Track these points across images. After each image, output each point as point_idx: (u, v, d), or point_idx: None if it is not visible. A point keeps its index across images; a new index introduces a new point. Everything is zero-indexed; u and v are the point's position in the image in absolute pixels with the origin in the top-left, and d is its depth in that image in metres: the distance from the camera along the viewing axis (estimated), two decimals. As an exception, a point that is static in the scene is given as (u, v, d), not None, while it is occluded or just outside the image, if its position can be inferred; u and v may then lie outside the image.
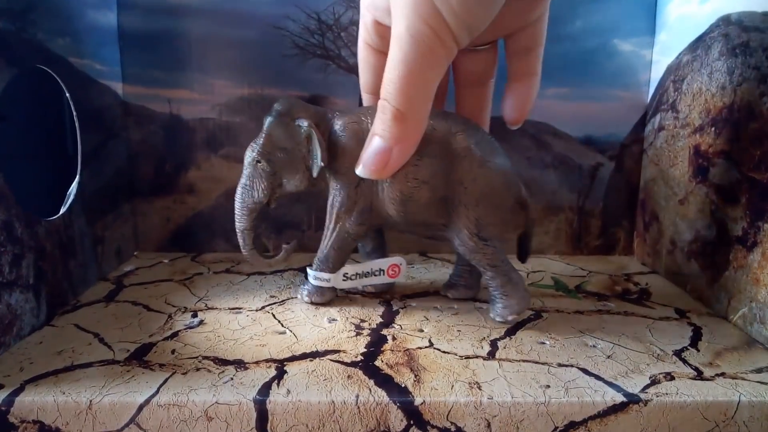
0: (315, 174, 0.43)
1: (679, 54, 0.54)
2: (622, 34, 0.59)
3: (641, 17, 0.59)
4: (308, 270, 0.47)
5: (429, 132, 0.40)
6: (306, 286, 0.47)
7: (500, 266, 0.43)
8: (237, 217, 0.45)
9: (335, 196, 0.45)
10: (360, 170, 0.38)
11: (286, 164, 0.44)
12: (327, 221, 0.45)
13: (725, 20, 0.47)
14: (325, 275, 0.46)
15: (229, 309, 0.46)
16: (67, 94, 0.47)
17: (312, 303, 0.47)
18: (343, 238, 0.45)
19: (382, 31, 0.40)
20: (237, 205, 0.45)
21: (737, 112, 0.45)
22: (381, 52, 0.42)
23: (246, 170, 0.44)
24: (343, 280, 0.46)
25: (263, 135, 0.44)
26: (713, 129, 0.48)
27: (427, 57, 0.34)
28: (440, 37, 0.33)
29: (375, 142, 0.37)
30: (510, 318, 0.43)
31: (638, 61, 0.59)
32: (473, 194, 0.42)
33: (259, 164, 0.44)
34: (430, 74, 0.35)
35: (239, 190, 0.45)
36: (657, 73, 0.58)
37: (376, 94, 0.44)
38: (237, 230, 0.45)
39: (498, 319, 0.43)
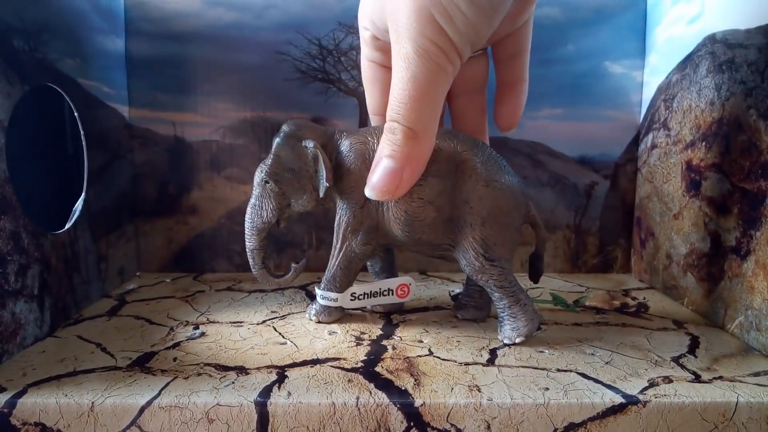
0: (321, 194, 0.43)
1: (669, 74, 0.56)
2: (613, 57, 0.61)
3: (631, 40, 0.61)
4: (316, 289, 0.47)
5: (434, 151, 0.40)
6: (314, 306, 0.47)
7: (508, 287, 0.42)
8: (246, 237, 0.45)
9: (341, 216, 0.45)
10: (369, 192, 0.38)
11: (294, 184, 0.44)
12: (334, 241, 0.45)
13: (711, 39, 0.49)
14: (333, 295, 0.46)
15: (231, 323, 0.46)
16: (76, 113, 0.49)
17: (319, 322, 0.47)
18: (349, 258, 0.45)
19: (382, 46, 0.41)
20: (246, 225, 0.45)
21: (726, 126, 0.46)
22: (384, 66, 0.43)
23: (255, 191, 0.45)
24: (351, 299, 0.46)
25: (271, 156, 0.44)
26: (704, 143, 0.49)
27: (437, 75, 0.34)
28: (447, 54, 0.34)
29: (384, 164, 0.37)
30: (518, 340, 0.42)
31: (629, 82, 0.61)
32: (479, 214, 0.41)
33: (267, 185, 0.44)
34: (440, 91, 0.35)
35: (248, 210, 0.45)
36: (648, 93, 0.60)
37: (384, 114, 0.45)
38: (247, 250, 0.45)
39: (506, 341, 0.42)
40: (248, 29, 0.60)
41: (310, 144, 0.43)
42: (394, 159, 0.36)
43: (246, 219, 0.45)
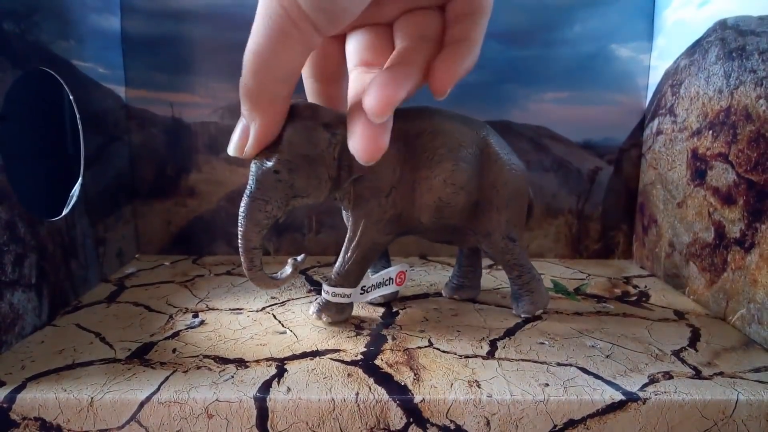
0: (345, 185, 0.41)
1: (677, 58, 0.54)
2: (620, 39, 0.60)
3: (639, 22, 0.59)
4: (325, 286, 0.43)
5: (459, 136, 0.42)
6: (321, 305, 0.43)
7: (525, 264, 0.45)
8: (243, 235, 0.38)
9: (363, 206, 0.42)
10: (228, 148, 0.37)
11: (308, 174, 0.39)
12: (350, 234, 0.42)
13: (722, 24, 0.47)
14: (347, 290, 0.43)
15: (230, 310, 0.46)
16: (71, 97, 0.48)
17: (332, 323, 0.43)
18: (369, 250, 0.42)
19: None
20: (245, 221, 0.38)
21: (734, 115, 0.45)
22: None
23: (257, 182, 0.38)
24: (361, 293, 0.44)
25: (282, 142, 0.38)
26: (711, 132, 0.48)
27: (278, 38, 0.31)
28: (294, 21, 0.30)
29: (240, 120, 0.36)
30: (537, 312, 0.45)
31: (636, 65, 0.60)
32: (504, 197, 0.43)
33: (276, 175, 0.38)
34: (283, 57, 0.32)
35: (248, 204, 0.38)
36: (655, 77, 0.59)
37: (316, 79, 0.41)
38: (241, 249, 0.39)
39: (524, 315, 0.45)
40: (248, 7, 0.59)
41: (336, 129, 0.39)
42: (243, 115, 0.35)
43: (243, 215, 0.38)
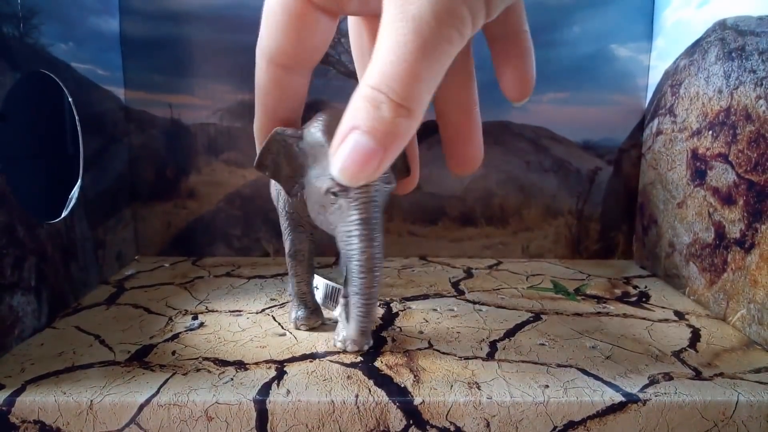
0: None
1: (677, 59, 0.54)
2: (619, 40, 0.60)
3: (638, 22, 0.59)
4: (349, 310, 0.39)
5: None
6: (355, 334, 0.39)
7: None
8: (375, 284, 0.33)
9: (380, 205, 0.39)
10: (340, 174, 0.27)
11: None
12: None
13: (721, 25, 0.47)
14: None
15: (230, 311, 0.46)
16: (70, 99, 0.48)
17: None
18: None
19: None
20: (375, 264, 0.33)
21: (734, 116, 0.45)
22: (326, 10, 0.33)
23: (378, 210, 0.33)
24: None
25: None
26: (711, 132, 0.48)
27: (452, 46, 0.26)
28: (475, 19, 0.25)
29: (360, 140, 0.27)
30: None
31: (636, 66, 0.60)
32: None
33: (389, 196, 0.35)
34: (448, 64, 0.27)
35: (376, 238, 0.33)
36: (654, 77, 0.59)
37: (290, 65, 0.35)
38: (373, 303, 0.34)
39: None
40: (247, 8, 0.59)
41: None
42: (374, 136, 0.27)
43: (374, 256, 0.33)
